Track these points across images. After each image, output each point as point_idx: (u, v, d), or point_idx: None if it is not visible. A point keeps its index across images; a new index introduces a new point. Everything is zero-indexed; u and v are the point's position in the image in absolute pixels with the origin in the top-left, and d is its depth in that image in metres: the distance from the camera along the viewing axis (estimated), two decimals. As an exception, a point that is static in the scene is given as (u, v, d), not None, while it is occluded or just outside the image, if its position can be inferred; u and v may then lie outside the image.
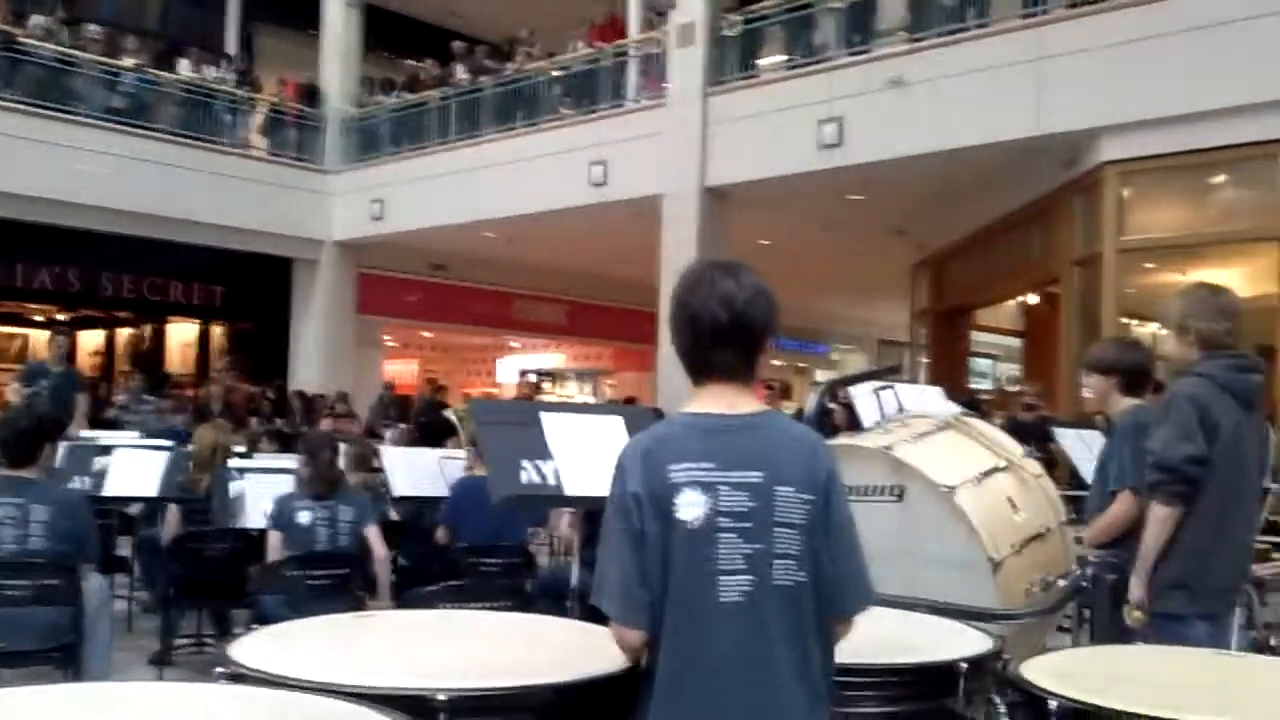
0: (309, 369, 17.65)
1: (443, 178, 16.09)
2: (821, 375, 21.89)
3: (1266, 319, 10.18)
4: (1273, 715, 2.07)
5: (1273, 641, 5.68)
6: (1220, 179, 10.30)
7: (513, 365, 24.68)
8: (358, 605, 5.05)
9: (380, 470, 7.22)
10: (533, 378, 23.43)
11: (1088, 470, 4.93)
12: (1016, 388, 14.65)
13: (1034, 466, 4.05)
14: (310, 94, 18.18)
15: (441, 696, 2.01)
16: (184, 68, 17.07)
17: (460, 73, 17.06)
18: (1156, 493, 3.35)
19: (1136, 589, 3.38)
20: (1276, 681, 2.53)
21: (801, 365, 25.68)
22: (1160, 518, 3.34)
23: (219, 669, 2.16)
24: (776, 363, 25.36)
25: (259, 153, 17.71)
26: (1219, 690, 2.38)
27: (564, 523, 6.25)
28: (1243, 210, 10.31)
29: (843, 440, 4.17)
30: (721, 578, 1.99)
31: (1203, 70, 9.37)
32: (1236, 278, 11.29)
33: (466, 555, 5.70)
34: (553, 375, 23.81)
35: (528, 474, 2.99)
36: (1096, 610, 3.58)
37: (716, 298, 2.07)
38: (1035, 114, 10.40)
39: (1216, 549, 3.36)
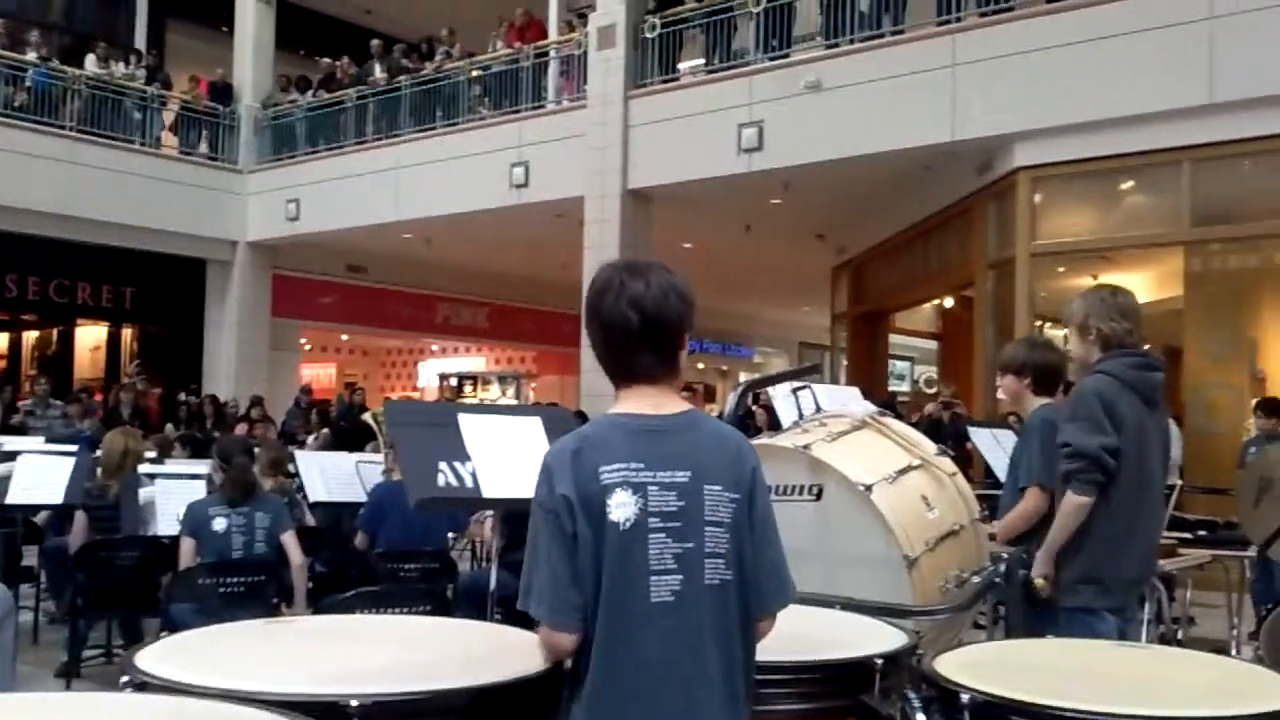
0: (223, 373, 17.34)
1: (360, 178, 15.93)
2: (745, 378, 22.05)
3: (1172, 321, 10.48)
4: (1172, 702, 2.13)
5: (1179, 634, 5.87)
6: (1128, 185, 10.58)
7: (433, 369, 24.46)
8: (273, 613, 4.96)
9: (296, 475, 7.11)
10: (453, 381, 23.25)
11: (1001, 469, 5.03)
12: (933, 389, 14.91)
13: (947, 464, 4.10)
14: (223, 92, 17.85)
15: (354, 702, 1.96)
16: (91, 63, 16.62)
17: (378, 72, 16.89)
18: (1072, 482, 3.40)
19: (1041, 565, 3.44)
20: (1178, 671, 2.60)
21: (724, 368, 25.88)
22: (1074, 506, 3.38)
23: (123, 678, 2.09)
24: (700, 365, 25.53)
25: (170, 151, 17.34)
26: (1124, 681, 2.44)
27: (486, 526, 6.20)
28: (1149, 215, 10.61)
29: (762, 440, 4.19)
30: (653, 578, 1.98)
31: (1111, 78, 9.62)
32: (1144, 281, 11.63)
33: (385, 561, 5.63)
34: (474, 379, 23.63)
35: (445, 476, 2.95)
36: (1010, 605, 3.65)
37: (626, 301, 2.06)
38: (950, 120, 10.59)
39: (1125, 543, 3.44)
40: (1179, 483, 8.58)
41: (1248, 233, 9.87)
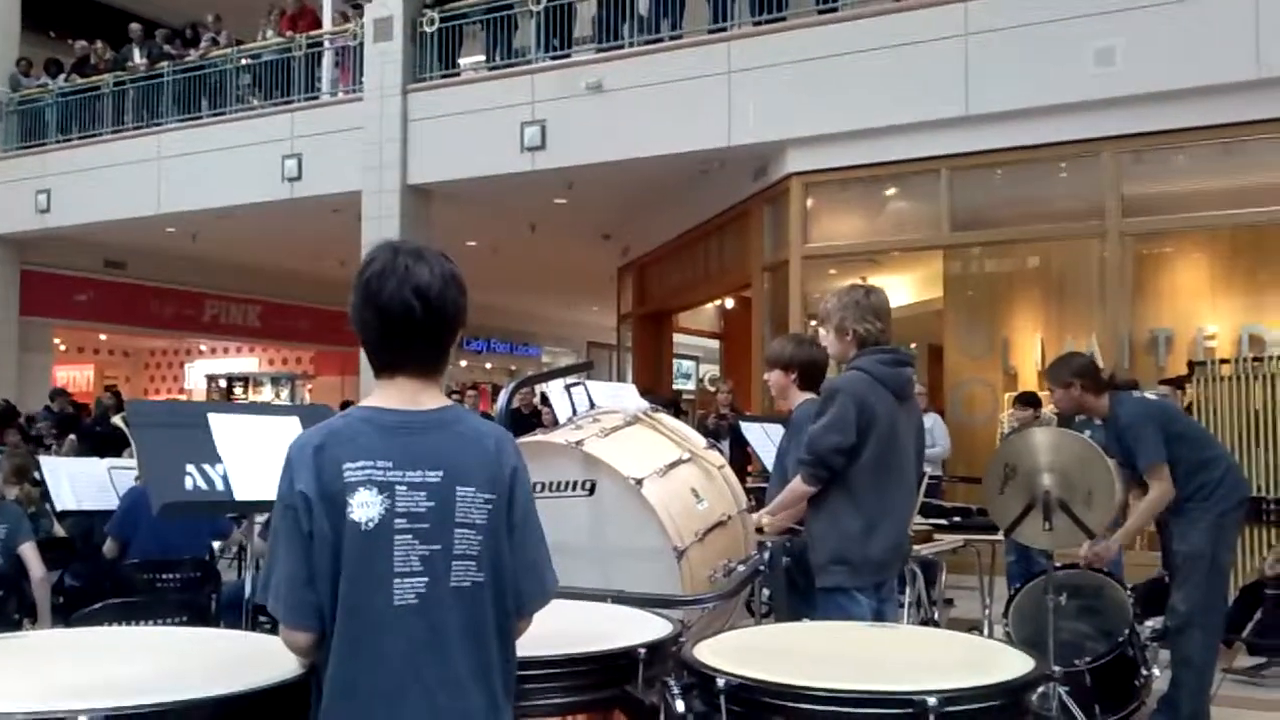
0: (-36, 376, 16.03)
1: (118, 168, 15.04)
2: (529, 377, 21.98)
3: (933, 321, 11.07)
4: (915, 679, 2.23)
5: (938, 616, 6.20)
6: (892, 191, 11.11)
7: (202, 370, 23.36)
8: (15, 630, 4.62)
9: (42, 483, 6.63)
10: (223, 383, 22.27)
11: (770, 461, 5.19)
12: (714, 388, 15.27)
13: (716, 458, 4.20)
14: (-38, 74, 16.52)
15: (83, 717, 1.83)
16: None
17: (137, 57, 15.99)
18: (801, 472, 3.71)
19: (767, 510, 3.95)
20: (925, 650, 2.74)
21: (513, 367, 25.79)
22: (800, 491, 3.73)
23: None
24: (488, 365, 25.35)
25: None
26: (873, 660, 2.54)
27: (256, 532, 5.94)
28: (912, 220, 11.15)
29: (536, 437, 4.17)
30: (395, 580, 1.92)
31: (877, 89, 10.09)
32: (907, 283, 12.24)
33: (140, 571, 5.31)
34: (246, 380, 22.67)
35: (193, 479, 2.78)
36: (775, 591, 3.76)
37: (410, 287, 1.97)
38: (726, 125, 10.85)
39: (874, 527, 3.64)
40: (937, 473, 9.10)
41: (1001, 237, 10.51)
